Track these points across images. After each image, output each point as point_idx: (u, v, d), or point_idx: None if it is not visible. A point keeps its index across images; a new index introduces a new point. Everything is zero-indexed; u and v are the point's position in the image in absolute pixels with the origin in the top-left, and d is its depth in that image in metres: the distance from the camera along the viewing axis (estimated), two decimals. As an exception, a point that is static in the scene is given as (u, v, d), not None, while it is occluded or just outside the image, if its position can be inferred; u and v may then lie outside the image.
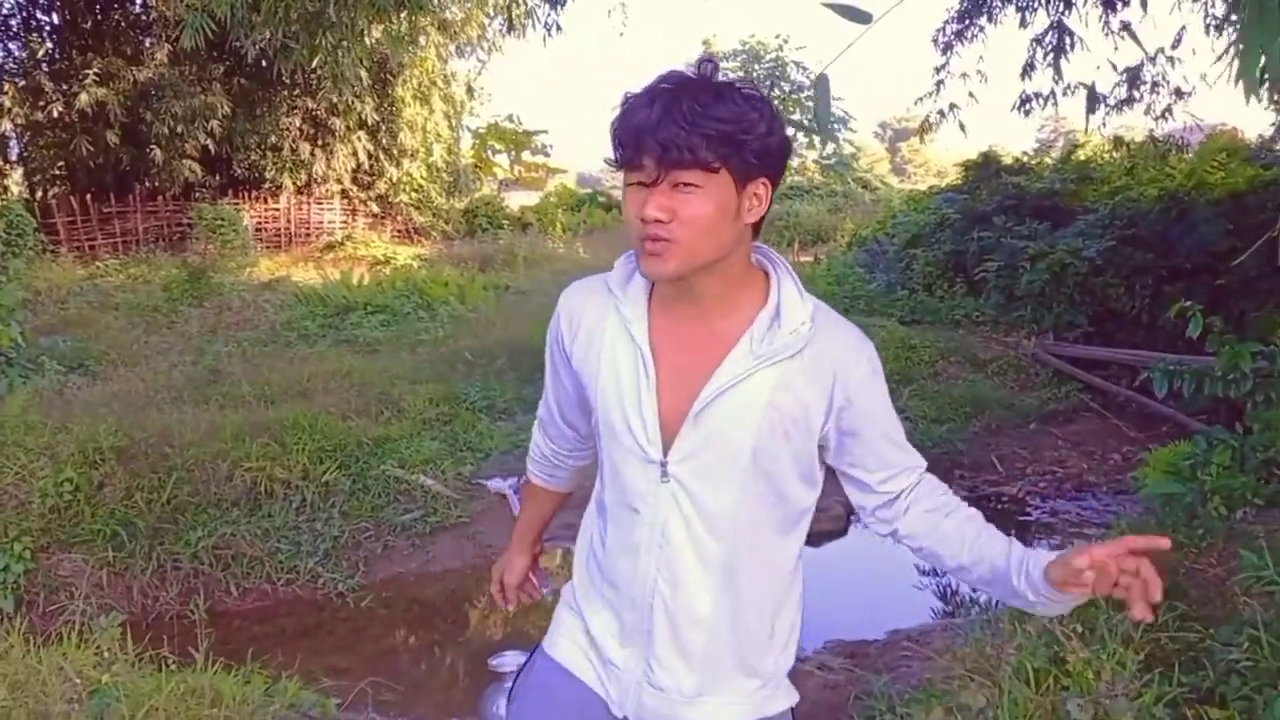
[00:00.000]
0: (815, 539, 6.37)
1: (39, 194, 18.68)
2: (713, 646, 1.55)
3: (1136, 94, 9.73)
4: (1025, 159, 13.18)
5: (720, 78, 1.41)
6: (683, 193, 1.37)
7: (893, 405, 1.56)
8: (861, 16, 1.82)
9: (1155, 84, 9.24)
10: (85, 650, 3.48)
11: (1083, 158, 12.82)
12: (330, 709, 3.78)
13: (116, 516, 5.52)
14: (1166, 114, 9.53)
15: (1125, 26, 6.42)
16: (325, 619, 5.37)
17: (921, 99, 10.18)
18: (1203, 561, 3.70)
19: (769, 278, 1.53)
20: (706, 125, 1.34)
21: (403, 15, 7.97)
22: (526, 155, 32.29)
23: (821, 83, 1.86)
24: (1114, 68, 7.95)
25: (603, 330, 1.55)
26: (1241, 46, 2.08)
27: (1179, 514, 4.02)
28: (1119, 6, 8.81)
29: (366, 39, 8.12)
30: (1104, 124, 10.94)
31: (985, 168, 12.63)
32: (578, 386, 1.63)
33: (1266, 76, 2.07)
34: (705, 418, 1.46)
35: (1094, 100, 4.51)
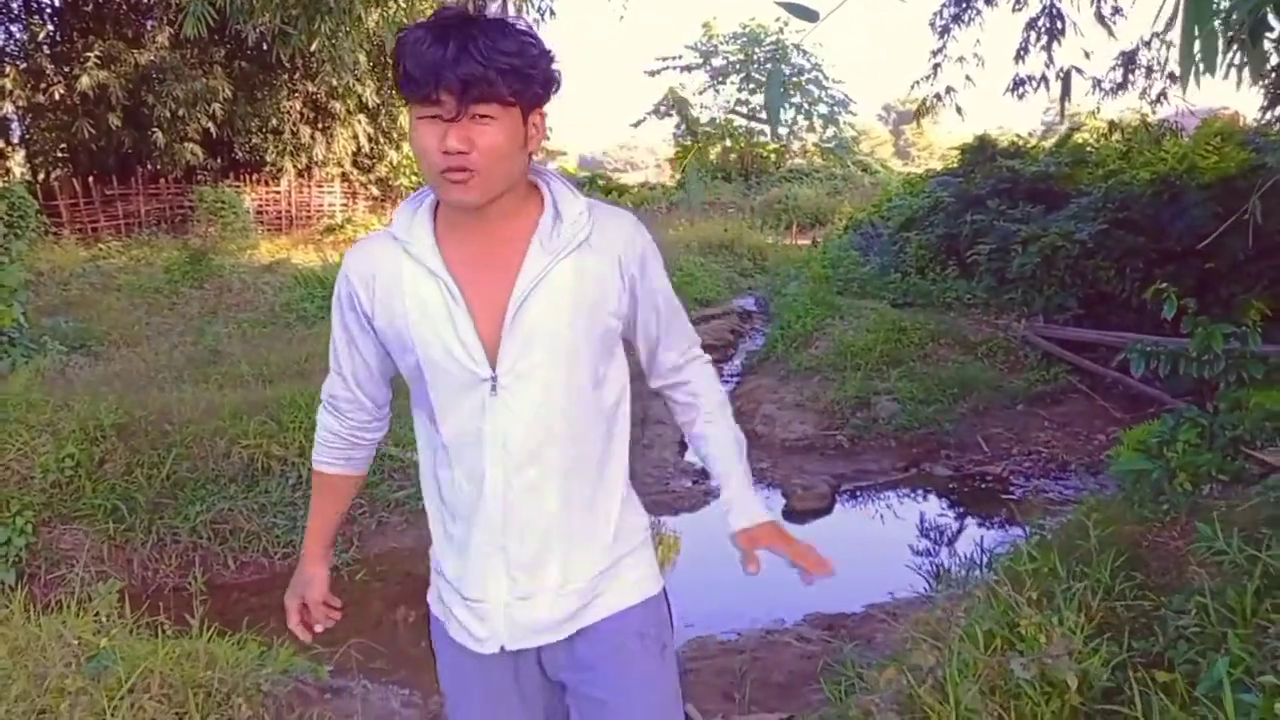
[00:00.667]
0: (800, 515, 6.52)
1: (41, 176, 18.80)
2: (568, 539, 1.64)
3: (1131, 78, 9.80)
4: (1021, 142, 13.20)
5: (489, 13, 1.51)
6: (479, 124, 1.46)
7: (676, 298, 1.79)
8: (809, 15, 1.91)
9: (1150, 68, 9.30)
10: (84, 618, 3.61)
11: (1079, 141, 12.85)
12: (322, 674, 3.90)
13: (117, 491, 5.67)
14: (1162, 98, 9.59)
15: (1104, 17, 6.48)
16: (320, 592, 5.50)
17: (918, 82, 10.26)
18: (1165, 535, 3.81)
19: (540, 189, 1.64)
20: (501, 61, 1.43)
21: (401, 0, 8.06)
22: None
23: (772, 77, 1.96)
24: (1086, 55, 7.97)
25: (399, 277, 1.60)
26: (1180, 33, 2.20)
27: (1146, 490, 4.12)
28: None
29: (365, 23, 8.20)
30: (1098, 108, 11.06)
31: (980, 151, 12.65)
32: (377, 349, 1.68)
33: (1201, 62, 2.19)
34: (520, 320, 1.56)
35: (1067, 88, 4.59)
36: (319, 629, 1.91)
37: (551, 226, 1.59)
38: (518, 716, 1.77)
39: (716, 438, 1.82)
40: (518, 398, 1.58)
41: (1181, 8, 1.98)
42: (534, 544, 1.63)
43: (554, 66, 1.54)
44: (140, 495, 5.66)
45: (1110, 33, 6.68)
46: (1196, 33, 2.00)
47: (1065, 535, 3.84)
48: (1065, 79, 4.61)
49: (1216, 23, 2.02)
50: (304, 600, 1.89)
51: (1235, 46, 2.51)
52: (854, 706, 2.66)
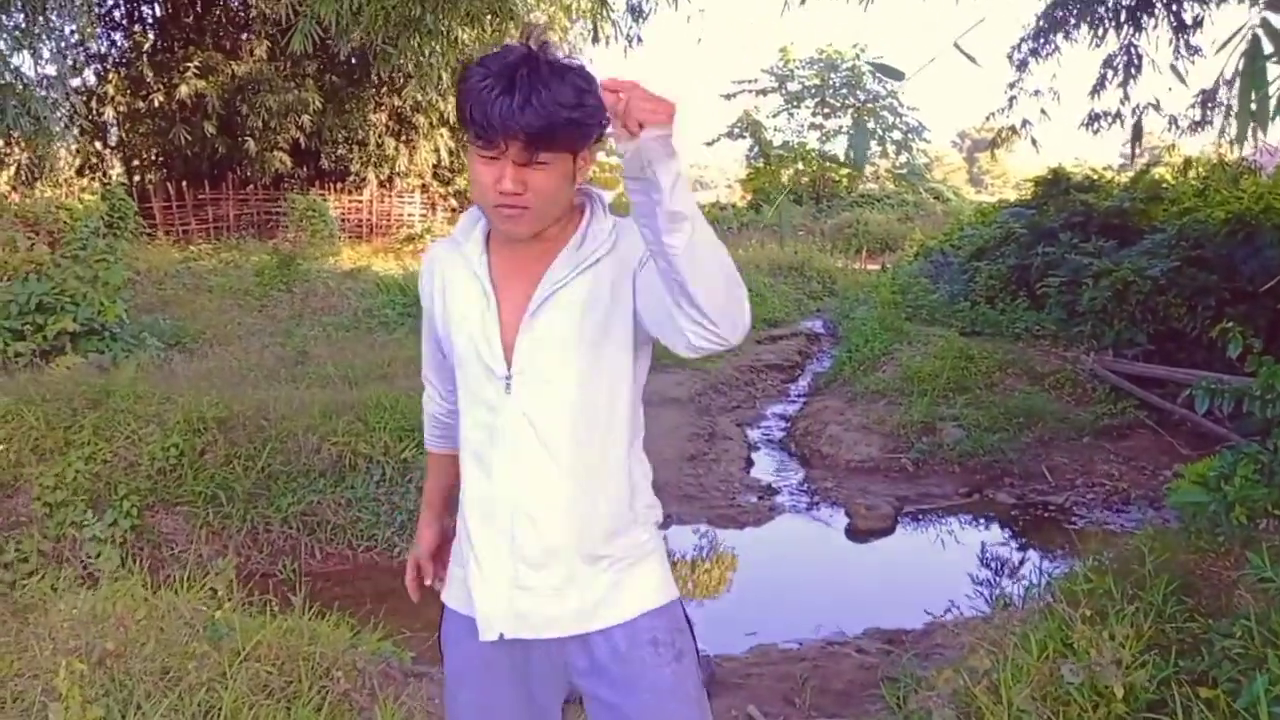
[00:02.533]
0: (863, 535, 6.68)
1: (136, 179, 19.57)
2: (574, 536, 1.71)
3: (1210, 116, 9.82)
4: (1096, 176, 13.21)
5: (550, 56, 1.55)
6: (535, 168, 1.57)
7: None
8: (896, 74, 2.14)
9: (1229, 106, 9.32)
10: (195, 593, 3.93)
11: (1156, 177, 12.84)
12: (405, 659, 4.17)
13: (216, 480, 5.99)
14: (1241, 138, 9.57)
15: (1175, 67, 6.60)
16: (399, 585, 5.69)
17: (994, 114, 10.41)
18: (1218, 565, 3.94)
19: (584, 210, 1.74)
20: (561, 114, 1.51)
21: (493, 21, 8.42)
22: (602, 156, 32.66)
23: (859, 125, 2.19)
24: (1157, 100, 8.01)
25: (455, 275, 1.78)
26: (1238, 92, 2.40)
27: (1202, 522, 4.25)
28: (1191, 31, 8.95)
29: (461, 43, 8.58)
30: (1174, 145, 11.08)
31: (1054, 184, 12.69)
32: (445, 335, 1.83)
33: (1254, 118, 2.38)
34: (534, 324, 1.69)
35: (1139, 132, 4.74)
36: (427, 583, 2.03)
37: (579, 245, 1.70)
38: (507, 706, 1.83)
39: None
40: (528, 396, 1.69)
41: (1240, 71, 2.17)
42: (538, 537, 1.71)
43: (603, 111, 1.52)
44: (238, 485, 5.99)
45: (1182, 80, 6.80)
46: (1253, 95, 2.20)
47: (1121, 560, 3.98)
48: (1137, 124, 4.76)
49: (1272, 86, 2.22)
50: (415, 559, 2.03)
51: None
52: (912, 701, 2.85)
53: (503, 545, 1.72)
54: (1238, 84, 2.46)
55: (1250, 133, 2.52)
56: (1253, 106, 2.41)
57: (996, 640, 3.11)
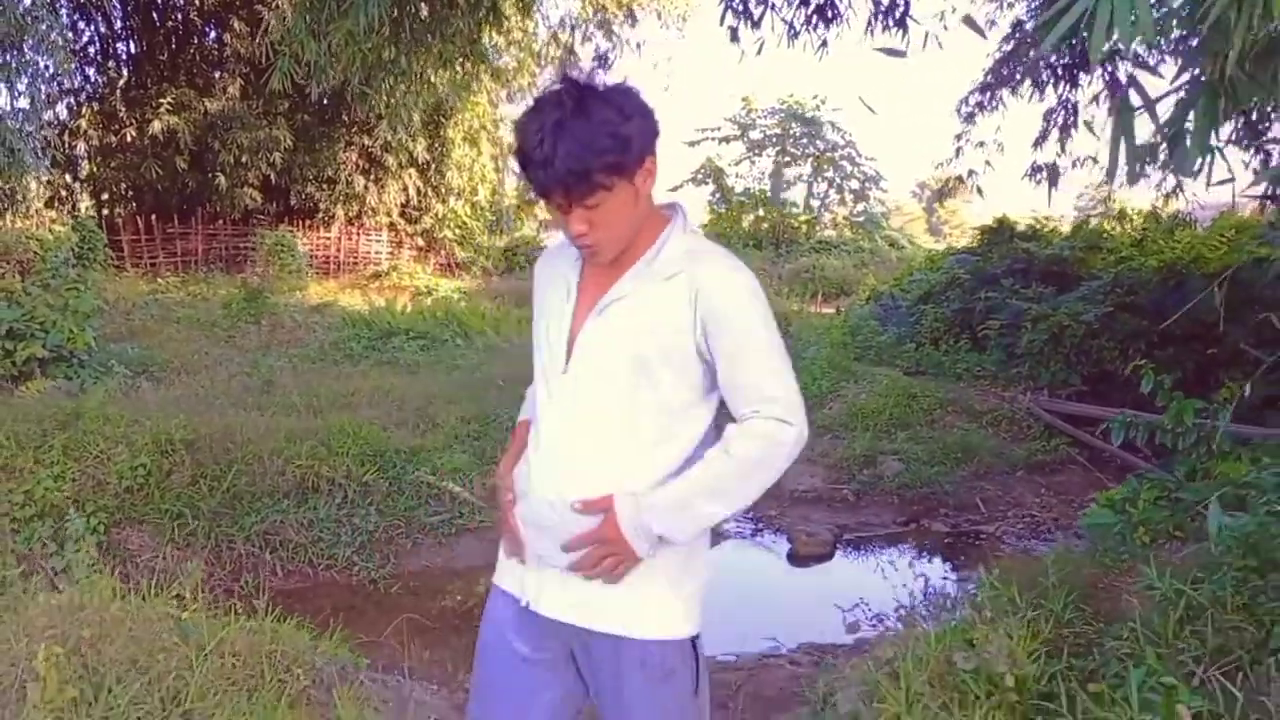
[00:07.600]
0: (803, 560, 6.95)
1: (106, 212, 19.68)
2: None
3: (1146, 171, 10.32)
4: (1039, 225, 13.73)
5: (592, 81, 1.70)
6: (592, 210, 1.70)
7: (776, 342, 1.84)
8: (899, 53, 2.49)
9: (1165, 162, 9.81)
10: (162, 598, 4.13)
11: (1097, 228, 13.37)
12: (361, 664, 4.39)
13: (182, 499, 6.18)
14: (1176, 191, 10.10)
15: (1090, 125, 7.03)
16: (358, 601, 5.99)
17: (941, 164, 10.91)
18: (1121, 581, 4.27)
19: (665, 224, 1.85)
20: (595, 161, 1.63)
21: (464, 64, 8.73)
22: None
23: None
24: (1078, 161, 8.46)
25: (554, 273, 1.95)
26: (1109, 141, 2.77)
27: (1109, 541, 4.59)
28: (1123, 89, 9.44)
29: (436, 86, 8.89)
30: (1110, 197, 11.62)
31: (999, 232, 13.23)
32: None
33: (1200, 158, 2.75)
34: (596, 325, 1.82)
35: (1055, 177, 5.13)
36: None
37: (650, 261, 1.81)
38: (522, 676, 1.98)
39: (695, 471, 1.83)
40: (576, 388, 1.84)
41: (1110, 124, 2.53)
42: (561, 520, 1.84)
43: (648, 122, 1.72)
44: (203, 504, 6.18)
45: (1095, 136, 7.26)
46: (1123, 144, 2.56)
47: (1028, 574, 4.30)
48: (1052, 168, 5.15)
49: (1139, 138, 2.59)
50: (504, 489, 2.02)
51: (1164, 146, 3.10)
52: (823, 685, 3.14)
53: (537, 515, 1.88)
54: (1108, 132, 2.84)
55: (1124, 176, 2.89)
56: (1122, 158, 2.79)
57: (905, 638, 3.40)
